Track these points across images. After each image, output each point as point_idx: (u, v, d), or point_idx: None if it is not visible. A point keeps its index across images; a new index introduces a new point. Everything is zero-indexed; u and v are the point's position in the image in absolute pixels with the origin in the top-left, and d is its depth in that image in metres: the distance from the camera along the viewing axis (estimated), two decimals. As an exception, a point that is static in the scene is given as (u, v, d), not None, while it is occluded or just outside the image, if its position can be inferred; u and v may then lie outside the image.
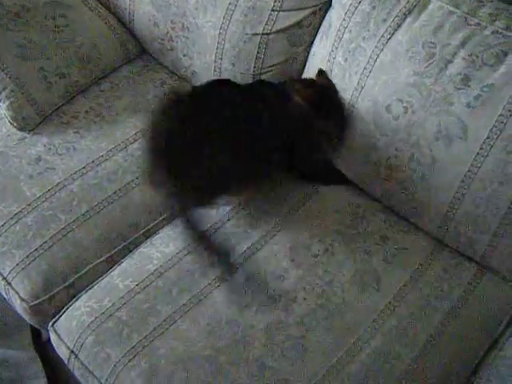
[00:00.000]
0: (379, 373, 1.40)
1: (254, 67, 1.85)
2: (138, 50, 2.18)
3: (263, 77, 1.85)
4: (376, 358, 1.42)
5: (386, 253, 1.59)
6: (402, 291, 1.52)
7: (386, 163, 1.61)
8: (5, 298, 1.75)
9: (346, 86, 1.64)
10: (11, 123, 1.92)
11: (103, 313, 1.52)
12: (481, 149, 1.44)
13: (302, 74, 1.83)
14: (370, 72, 1.57)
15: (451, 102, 1.46)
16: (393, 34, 1.53)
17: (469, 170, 1.47)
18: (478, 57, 1.44)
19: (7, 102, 1.89)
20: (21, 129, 1.92)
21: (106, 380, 1.44)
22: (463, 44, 1.46)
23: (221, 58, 1.89)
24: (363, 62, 1.58)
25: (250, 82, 1.86)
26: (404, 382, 1.39)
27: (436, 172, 1.52)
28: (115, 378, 1.43)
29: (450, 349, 1.47)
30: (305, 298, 1.51)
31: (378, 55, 1.55)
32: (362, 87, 1.59)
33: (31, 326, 1.99)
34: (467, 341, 1.50)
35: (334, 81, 1.67)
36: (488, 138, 1.43)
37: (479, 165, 1.45)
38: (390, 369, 1.41)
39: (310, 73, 1.78)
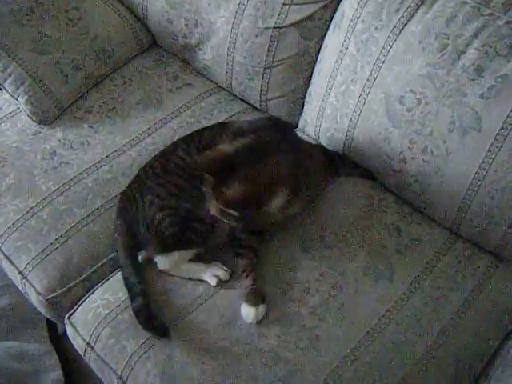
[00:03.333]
0: (392, 362, 1.40)
1: (266, 60, 1.86)
2: (151, 40, 2.20)
3: (274, 70, 1.86)
4: (389, 347, 1.42)
5: (400, 244, 1.59)
6: (415, 282, 1.52)
7: (399, 155, 1.60)
8: (21, 292, 1.77)
9: (357, 77, 1.63)
10: (30, 117, 1.94)
11: (119, 305, 1.53)
12: (495, 140, 1.43)
13: (313, 67, 1.84)
14: (383, 63, 1.56)
15: (465, 92, 1.45)
16: (405, 24, 1.53)
17: (483, 162, 1.46)
18: (491, 47, 1.43)
19: (25, 97, 1.91)
20: (40, 122, 1.95)
21: (122, 371, 1.45)
22: (476, 35, 1.45)
23: (233, 52, 1.90)
24: (376, 53, 1.57)
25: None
26: (417, 371, 1.40)
27: (450, 163, 1.51)
28: (131, 370, 1.44)
29: (464, 339, 1.47)
30: (318, 289, 1.51)
31: (390, 46, 1.55)
32: (375, 78, 1.59)
33: (47, 319, 2.00)
34: (481, 331, 1.50)
35: (345, 72, 1.66)
36: (502, 128, 1.42)
37: (493, 156, 1.45)
38: (403, 359, 1.41)
39: (322, 64, 1.78)
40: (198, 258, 1.58)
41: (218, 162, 1.41)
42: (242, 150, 1.44)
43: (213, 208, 1.44)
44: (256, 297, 1.48)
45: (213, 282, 1.54)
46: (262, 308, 1.47)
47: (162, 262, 1.57)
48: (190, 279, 1.56)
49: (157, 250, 1.57)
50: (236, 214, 1.41)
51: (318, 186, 1.65)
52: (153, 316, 1.47)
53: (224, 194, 1.40)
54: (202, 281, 1.55)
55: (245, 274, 1.53)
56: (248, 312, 1.47)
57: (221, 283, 1.54)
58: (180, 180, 1.57)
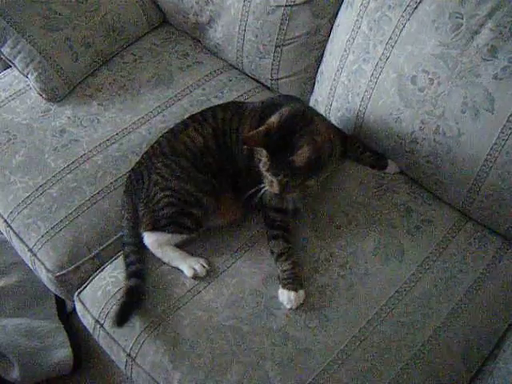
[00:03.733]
0: (401, 343, 1.40)
1: (277, 39, 1.84)
2: (161, 18, 2.19)
3: (285, 49, 1.85)
4: (398, 328, 1.42)
5: (410, 225, 1.59)
6: (425, 263, 1.52)
7: (410, 136, 1.59)
8: (30, 269, 1.78)
9: (369, 56, 1.61)
10: (40, 94, 1.94)
11: (128, 283, 1.54)
12: (508, 121, 1.42)
13: (325, 46, 1.82)
14: (396, 42, 1.55)
15: (478, 73, 1.44)
16: (419, 3, 1.50)
17: (495, 143, 1.45)
18: (505, 28, 1.41)
19: (35, 74, 1.91)
20: (49, 100, 1.94)
21: (131, 349, 1.46)
22: (491, 14, 1.43)
23: (244, 30, 1.88)
24: (388, 32, 1.56)
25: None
26: (426, 352, 1.40)
27: (462, 145, 1.50)
28: (140, 347, 1.45)
29: (473, 321, 1.46)
30: (327, 269, 1.51)
31: (403, 25, 1.53)
32: (387, 57, 1.57)
33: (56, 296, 2.02)
34: (490, 314, 1.49)
35: (357, 52, 1.64)
36: (515, 110, 1.41)
37: (506, 137, 1.43)
38: (411, 339, 1.41)
39: (333, 43, 1.76)
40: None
41: (272, 134, 1.43)
42: (286, 120, 1.46)
43: (273, 185, 1.46)
44: (295, 281, 1.47)
45: (189, 273, 1.52)
46: (301, 293, 1.46)
47: (148, 238, 1.58)
48: (168, 264, 1.56)
49: (147, 226, 1.57)
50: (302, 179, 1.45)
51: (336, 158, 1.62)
52: (135, 303, 1.48)
53: (293, 162, 1.41)
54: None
55: (283, 257, 1.51)
56: (288, 296, 1.45)
57: (196, 276, 1.52)
58: (187, 162, 1.57)
